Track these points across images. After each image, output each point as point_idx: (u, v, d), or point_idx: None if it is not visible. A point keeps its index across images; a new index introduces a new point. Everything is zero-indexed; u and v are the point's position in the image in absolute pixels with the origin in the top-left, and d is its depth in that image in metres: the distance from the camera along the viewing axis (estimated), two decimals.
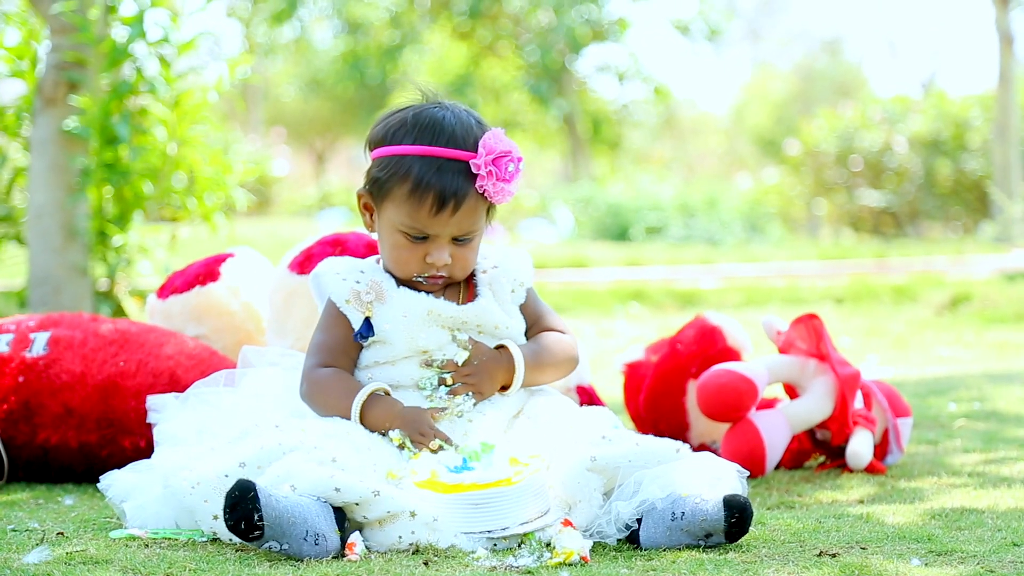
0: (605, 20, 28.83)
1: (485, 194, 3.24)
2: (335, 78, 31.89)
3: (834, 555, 2.83)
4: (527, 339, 3.41)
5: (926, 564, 2.75)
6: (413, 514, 2.89)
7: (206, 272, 4.25)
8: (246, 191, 7.26)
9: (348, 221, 25.02)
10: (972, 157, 23.65)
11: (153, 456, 3.33)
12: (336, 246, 3.98)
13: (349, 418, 3.17)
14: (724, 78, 66.89)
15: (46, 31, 6.76)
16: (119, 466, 3.39)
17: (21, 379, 3.86)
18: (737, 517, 2.90)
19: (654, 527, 2.93)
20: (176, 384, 3.82)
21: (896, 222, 24.30)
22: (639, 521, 2.96)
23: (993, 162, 21.83)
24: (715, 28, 30.66)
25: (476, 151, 3.23)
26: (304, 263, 3.99)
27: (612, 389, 5.39)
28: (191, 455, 3.16)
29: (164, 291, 4.31)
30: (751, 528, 2.96)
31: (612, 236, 20.48)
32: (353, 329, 3.27)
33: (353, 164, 45.68)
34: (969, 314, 10.16)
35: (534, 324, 3.44)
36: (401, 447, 3.10)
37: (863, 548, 2.90)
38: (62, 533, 3.11)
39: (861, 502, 3.52)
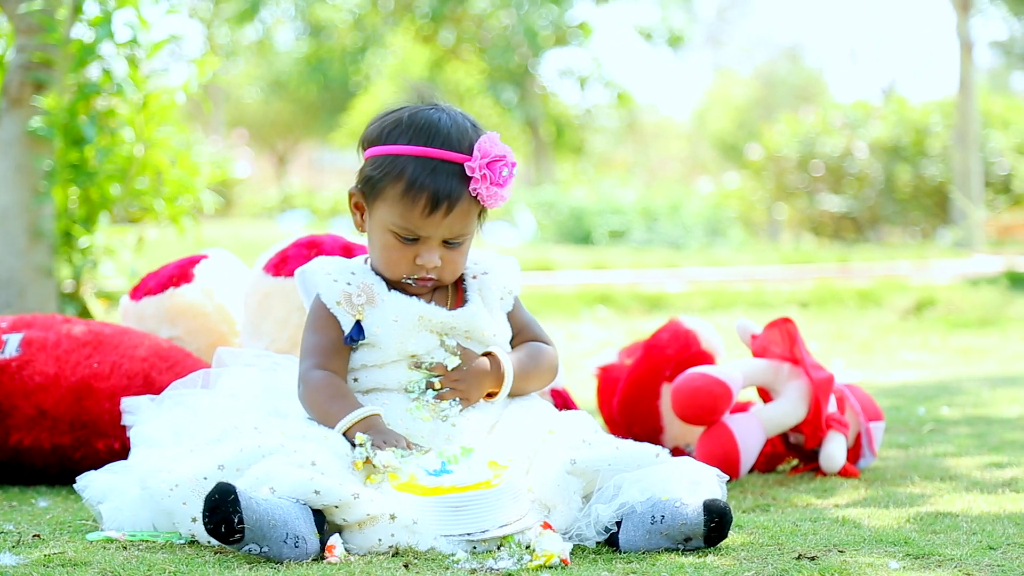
0: (567, 24, 28.86)
1: (478, 197, 3.23)
2: (298, 80, 31.83)
3: (813, 558, 2.83)
4: (512, 347, 3.40)
5: (904, 567, 2.75)
6: (393, 517, 2.88)
7: (180, 274, 4.22)
8: (213, 193, 7.24)
9: (309, 223, 24.98)
10: (932, 163, 23.81)
11: (130, 458, 3.31)
12: (311, 248, 3.96)
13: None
14: (685, 83, 67.14)
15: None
16: (93, 468, 3.37)
17: None
18: (717, 522, 2.91)
19: (634, 530, 2.93)
20: (150, 386, 3.79)
21: (856, 227, 24.42)
22: (618, 524, 2.95)
23: (953, 168, 21.97)
24: (678, 35, 30.72)
25: (471, 154, 3.22)
26: (280, 265, 3.97)
27: (582, 392, 5.39)
28: (169, 457, 3.14)
29: (137, 292, 4.28)
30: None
31: (575, 240, 20.53)
32: (343, 331, 3.26)
33: (315, 166, 45.64)
34: (934, 319, 10.22)
35: (520, 332, 3.43)
36: (361, 445, 3.05)
37: (840, 551, 2.90)
38: (38, 535, 3.08)
39: (836, 505, 3.53)
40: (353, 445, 3.07)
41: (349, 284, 3.28)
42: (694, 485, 3.04)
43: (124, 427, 3.50)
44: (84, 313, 6.86)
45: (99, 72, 6.81)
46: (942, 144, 23.67)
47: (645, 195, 23.69)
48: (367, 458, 3.02)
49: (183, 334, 4.17)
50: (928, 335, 9.24)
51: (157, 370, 3.87)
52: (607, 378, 4.44)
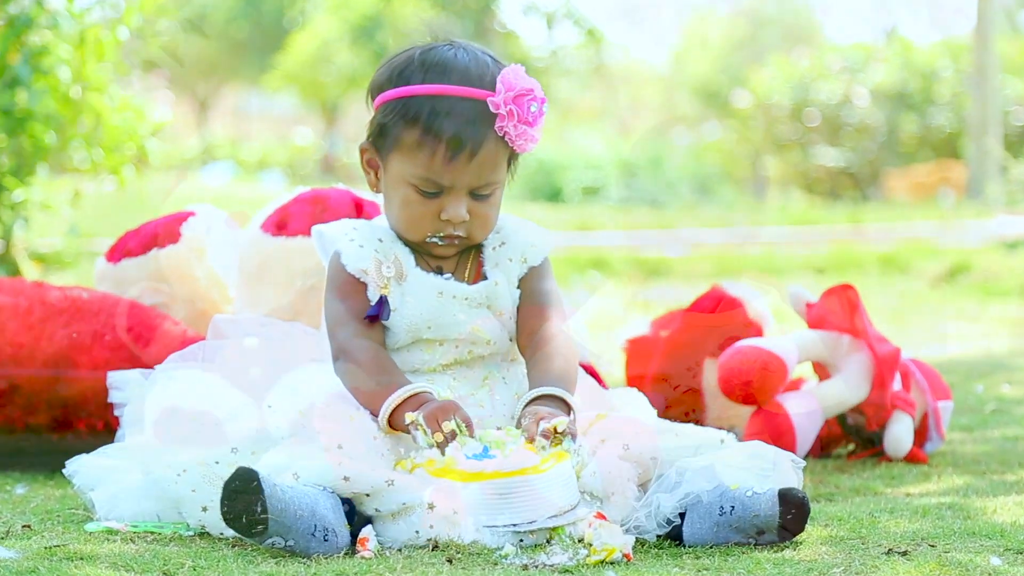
0: None
1: (506, 138, 3.16)
2: (227, 16, 31.60)
3: (904, 553, 2.83)
4: (524, 328, 3.29)
5: (1007, 563, 2.74)
6: (431, 506, 2.85)
7: (165, 232, 4.15)
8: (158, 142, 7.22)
9: (235, 176, 24.87)
10: (940, 111, 23.89)
11: (120, 439, 3.30)
12: (316, 204, 3.94)
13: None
14: (660, 22, 66.99)
15: None
16: (74, 451, 3.32)
17: None
18: (794, 513, 2.90)
19: (699, 522, 2.93)
20: (137, 359, 3.76)
21: (855, 183, 24.48)
22: (682, 515, 2.94)
23: (967, 117, 22.02)
24: None
25: (494, 89, 3.15)
26: (280, 224, 3.94)
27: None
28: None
29: (115, 254, 4.22)
30: None
31: (543, 197, 20.48)
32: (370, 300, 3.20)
33: (240, 113, 45.33)
34: (969, 286, 10.24)
35: (525, 316, 3.30)
36: (413, 424, 2.99)
37: (932, 545, 2.90)
38: (28, 526, 3.06)
39: (910, 495, 3.53)
40: (391, 427, 3.06)
41: (377, 251, 3.22)
42: (766, 472, 3.03)
43: (110, 405, 3.48)
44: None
45: (31, 4, 6.75)
46: (952, 91, 23.77)
47: (619, 147, 23.65)
48: (426, 433, 2.99)
49: (169, 300, 4.13)
50: (964, 304, 9.27)
51: (144, 341, 3.85)
52: (637, 352, 4.41)
